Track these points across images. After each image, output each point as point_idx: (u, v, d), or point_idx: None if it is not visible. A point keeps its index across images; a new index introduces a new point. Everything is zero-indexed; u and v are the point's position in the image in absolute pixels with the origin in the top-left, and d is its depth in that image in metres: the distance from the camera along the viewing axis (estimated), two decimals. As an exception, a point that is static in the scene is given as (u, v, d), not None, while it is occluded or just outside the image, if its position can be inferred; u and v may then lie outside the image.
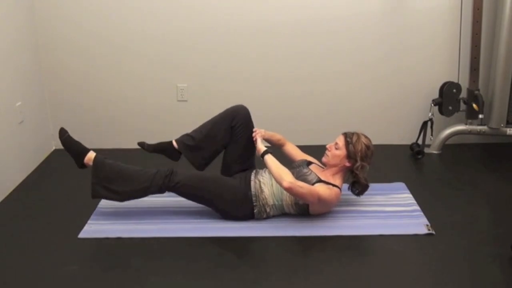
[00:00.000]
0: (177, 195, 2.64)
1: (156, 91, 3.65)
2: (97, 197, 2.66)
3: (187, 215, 2.73)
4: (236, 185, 2.67)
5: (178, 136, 2.83)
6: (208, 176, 2.69)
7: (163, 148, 2.80)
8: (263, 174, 2.71)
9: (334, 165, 2.70)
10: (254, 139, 2.75)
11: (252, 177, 2.69)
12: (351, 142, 2.65)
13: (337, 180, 2.68)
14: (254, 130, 2.80)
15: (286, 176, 2.49)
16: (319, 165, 2.81)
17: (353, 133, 2.69)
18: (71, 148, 2.68)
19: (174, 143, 2.79)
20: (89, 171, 2.64)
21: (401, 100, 3.72)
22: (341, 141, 2.69)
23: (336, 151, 2.68)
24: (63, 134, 2.70)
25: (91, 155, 2.66)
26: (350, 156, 2.65)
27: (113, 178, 2.61)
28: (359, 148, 2.64)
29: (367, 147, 2.66)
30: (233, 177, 2.75)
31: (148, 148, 2.79)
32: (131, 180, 2.61)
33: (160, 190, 2.63)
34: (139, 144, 2.80)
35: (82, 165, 2.69)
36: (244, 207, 2.65)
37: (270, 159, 2.59)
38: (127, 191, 2.62)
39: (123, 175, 2.62)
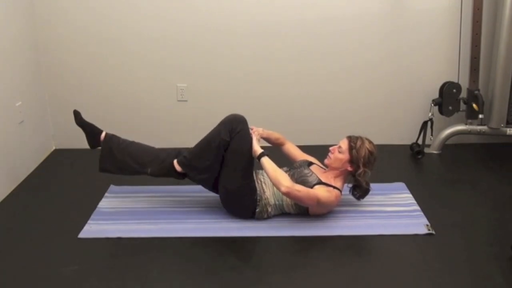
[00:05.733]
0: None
1: (156, 91, 3.65)
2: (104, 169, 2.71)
3: (187, 215, 2.73)
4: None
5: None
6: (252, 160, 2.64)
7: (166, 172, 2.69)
8: (264, 174, 2.69)
9: (336, 168, 2.68)
10: (250, 137, 2.68)
11: (254, 177, 2.67)
12: (354, 147, 2.61)
13: (338, 183, 2.67)
14: (251, 128, 2.74)
15: (284, 181, 2.46)
16: (320, 166, 2.80)
17: (357, 138, 2.65)
18: (87, 128, 2.79)
19: (176, 165, 2.65)
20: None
21: (401, 100, 3.72)
22: (344, 144, 2.66)
23: (339, 154, 2.65)
24: (77, 115, 2.80)
25: (103, 134, 2.76)
26: (352, 161, 2.62)
27: (125, 147, 2.69)
28: (362, 154, 2.60)
29: (371, 153, 2.63)
30: None
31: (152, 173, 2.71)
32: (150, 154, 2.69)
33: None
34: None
35: (94, 145, 2.79)
36: (248, 202, 2.61)
37: (267, 162, 2.54)
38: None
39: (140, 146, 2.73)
